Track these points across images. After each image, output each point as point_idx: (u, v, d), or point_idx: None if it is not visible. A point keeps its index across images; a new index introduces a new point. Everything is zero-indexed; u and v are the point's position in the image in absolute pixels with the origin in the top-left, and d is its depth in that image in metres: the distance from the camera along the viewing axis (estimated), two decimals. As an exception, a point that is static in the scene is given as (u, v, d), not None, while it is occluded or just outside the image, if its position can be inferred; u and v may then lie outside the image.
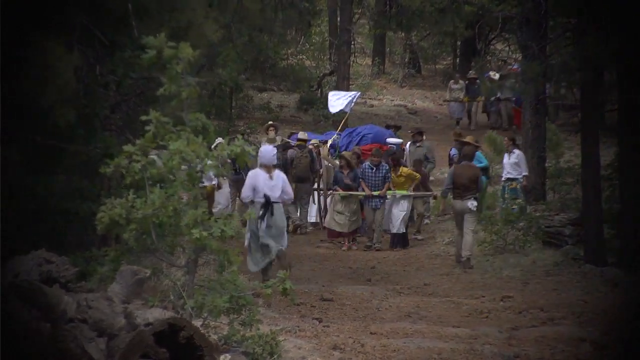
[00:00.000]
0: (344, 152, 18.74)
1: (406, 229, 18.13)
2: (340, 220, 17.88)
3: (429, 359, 8.26)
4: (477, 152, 19.13)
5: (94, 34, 10.12)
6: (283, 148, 19.43)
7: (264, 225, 12.06)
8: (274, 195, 12.18)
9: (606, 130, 21.80)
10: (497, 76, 29.69)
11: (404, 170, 18.28)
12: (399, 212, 17.89)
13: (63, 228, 10.23)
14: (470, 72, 32.63)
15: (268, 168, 12.37)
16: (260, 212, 12.02)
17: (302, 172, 18.91)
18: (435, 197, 19.30)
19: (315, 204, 19.85)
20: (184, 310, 6.99)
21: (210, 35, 11.04)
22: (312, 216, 19.85)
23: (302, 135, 19.94)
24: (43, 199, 9.84)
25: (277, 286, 7.27)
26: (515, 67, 30.52)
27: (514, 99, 29.75)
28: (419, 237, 18.77)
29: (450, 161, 19.74)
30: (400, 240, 17.99)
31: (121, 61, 10.38)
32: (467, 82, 31.58)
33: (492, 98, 30.45)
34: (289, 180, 13.96)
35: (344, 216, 17.85)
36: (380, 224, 17.84)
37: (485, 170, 19.16)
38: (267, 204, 12.07)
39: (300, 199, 19.02)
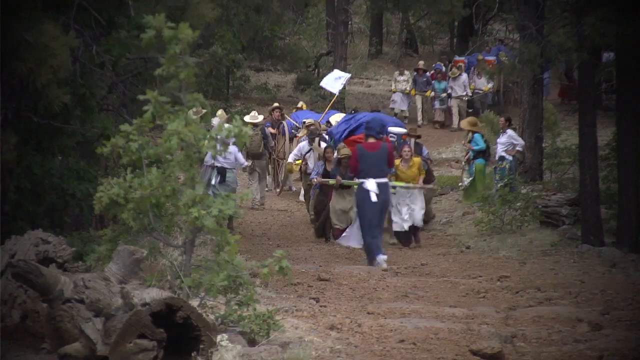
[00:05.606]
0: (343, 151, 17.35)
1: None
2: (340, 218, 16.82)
3: (426, 339, 8.24)
4: (475, 135, 19.27)
5: (90, 14, 10.07)
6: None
7: (216, 181, 16.39)
8: (226, 163, 16.35)
9: (604, 110, 21.76)
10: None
11: (415, 160, 16.90)
12: (419, 210, 16.58)
13: (60, 209, 10.21)
14: (420, 62, 32.23)
15: None
16: (218, 176, 16.49)
17: (254, 149, 20.42)
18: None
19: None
20: (181, 290, 6.98)
21: (207, 15, 10.99)
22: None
23: (252, 118, 21.05)
24: (40, 180, 9.81)
25: (274, 266, 7.24)
26: (462, 58, 30.59)
27: (466, 98, 29.62)
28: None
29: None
30: (413, 234, 16.70)
31: (117, 41, 10.32)
32: (415, 73, 30.74)
33: (443, 95, 30.05)
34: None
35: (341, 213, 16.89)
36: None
37: (482, 152, 19.24)
38: (222, 170, 16.48)
39: (256, 174, 20.75)
